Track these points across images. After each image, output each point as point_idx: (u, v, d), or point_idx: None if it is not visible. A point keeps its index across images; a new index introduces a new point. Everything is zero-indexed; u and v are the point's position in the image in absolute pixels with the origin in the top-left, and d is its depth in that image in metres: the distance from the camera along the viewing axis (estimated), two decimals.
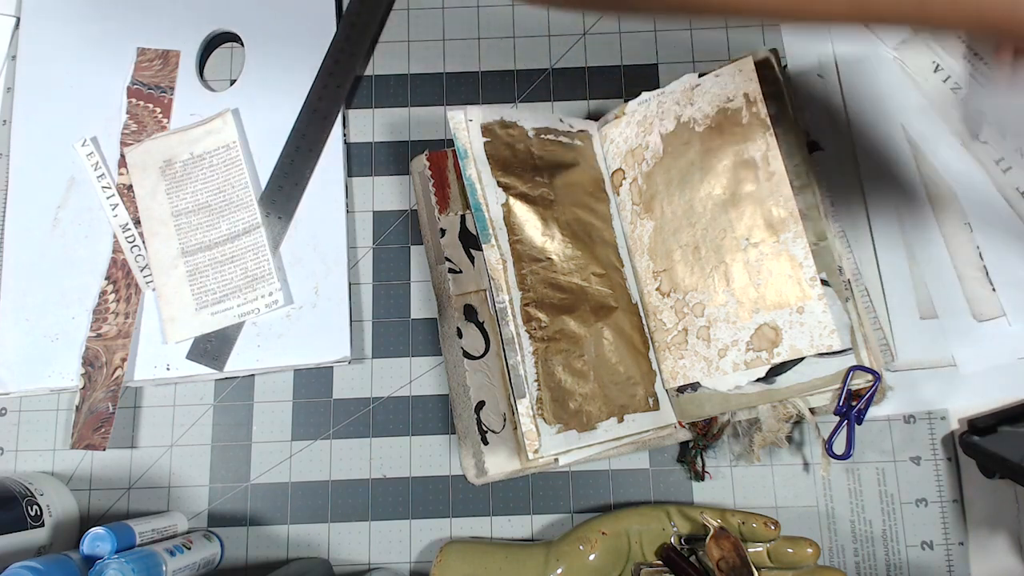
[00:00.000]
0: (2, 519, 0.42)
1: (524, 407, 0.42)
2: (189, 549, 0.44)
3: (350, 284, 0.52)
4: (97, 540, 0.40)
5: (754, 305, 0.44)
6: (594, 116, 0.53)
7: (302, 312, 0.50)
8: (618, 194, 0.50)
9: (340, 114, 0.53)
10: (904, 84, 0.52)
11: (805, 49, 0.53)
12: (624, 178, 0.49)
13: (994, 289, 0.48)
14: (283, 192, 0.52)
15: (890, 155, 0.51)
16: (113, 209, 0.52)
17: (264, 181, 0.52)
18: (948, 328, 0.48)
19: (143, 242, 0.51)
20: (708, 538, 0.42)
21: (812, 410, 0.44)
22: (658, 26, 0.55)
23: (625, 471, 0.49)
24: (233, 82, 0.55)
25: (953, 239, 0.49)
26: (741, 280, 0.44)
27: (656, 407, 0.46)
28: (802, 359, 0.43)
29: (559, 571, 0.43)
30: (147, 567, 0.39)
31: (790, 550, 0.43)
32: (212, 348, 0.50)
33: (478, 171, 0.45)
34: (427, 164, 0.51)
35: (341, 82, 0.54)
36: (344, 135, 0.54)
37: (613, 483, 0.49)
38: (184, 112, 0.54)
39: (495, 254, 0.44)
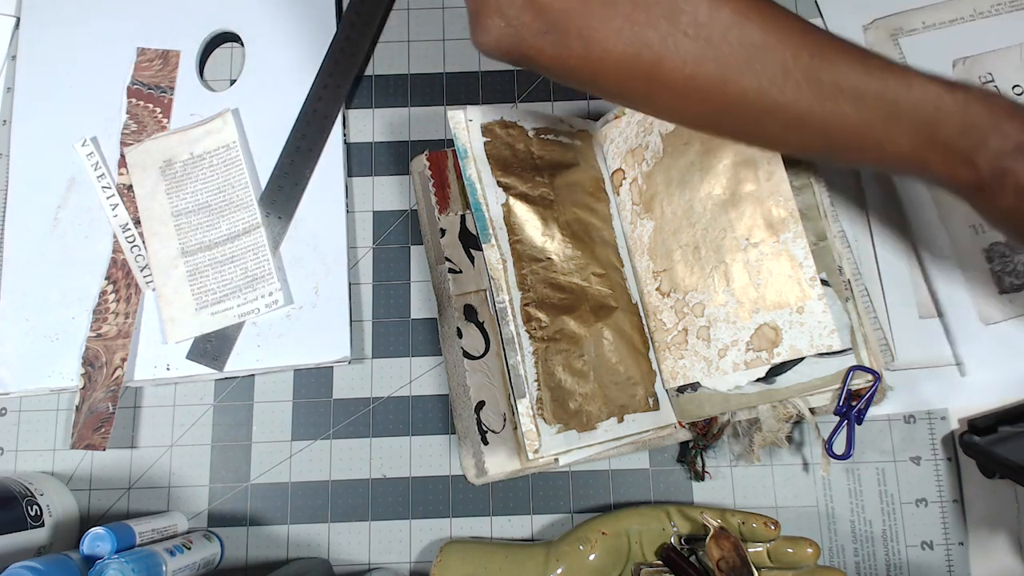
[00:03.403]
0: (2, 519, 0.42)
1: (524, 407, 0.42)
2: (189, 549, 0.44)
3: (350, 284, 0.52)
4: (97, 540, 0.40)
5: (754, 305, 0.44)
6: (594, 116, 0.53)
7: (302, 312, 0.50)
8: (618, 194, 0.50)
9: (340, 114, 0.53)
10: None
11: None
12: (624, 178, 0.49)
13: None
14: (283, 192, 0.52)
15: None
16: (113, 209, 0.52)
17: (264, 181, 0.52)
18: (954, 330, 0.48)
19: (143, 242, 0.51)
20: (708, 538, 0.42)
21: (812, 410, 0.44)
22: None
23: (625, 471, 0.49)
24: (233, 82, 0.54)
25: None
26: (741, 280, 0.44)
27: (656, 407, 0.46)
28: (802, 359, 0.43)
29: (559, 571, 0.43)
30: (147, 567, 0.39)
31: (790, 550, 0.43)
32: (212, 348, 0.50)
33: (478, 171, 0.45)
34: (427, 164, 0.51)
35: (341, 82, 0.54)
36: (344, 135, 0.54)
37: (613, 483, 0.49)
38: (184, 112, 0.54)
39: (495, 254, 0.44)
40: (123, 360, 0.49)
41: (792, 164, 0.44)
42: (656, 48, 0.33)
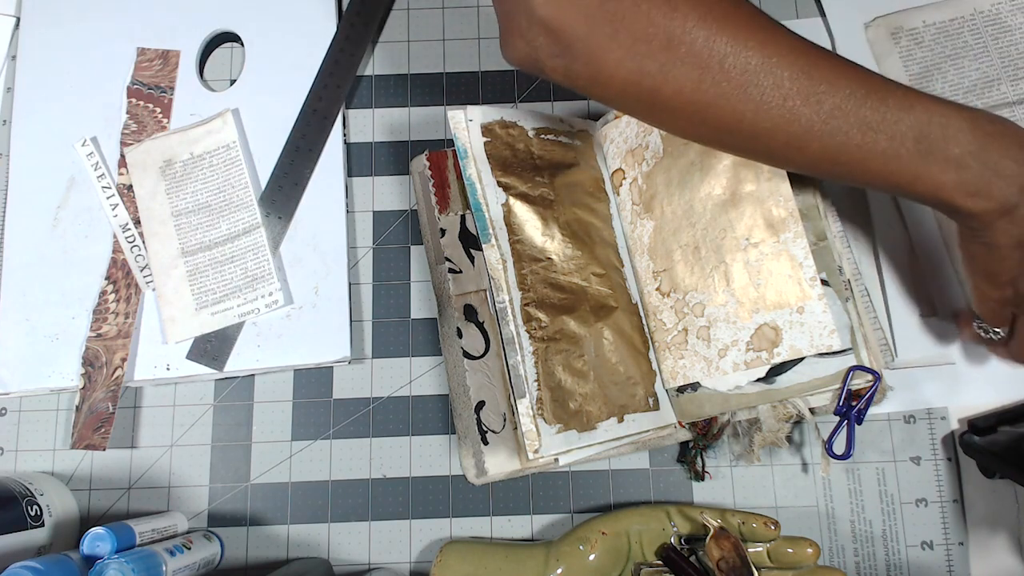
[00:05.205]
0: (2, 519, 0.42)
1: (524, 407, 0.42)
2: (189, 549, 0.44)
3: (350, 284, 0.52)
4: (97, 540, 0.40)
5: (754, 305, 0.44)
6: (594, 116, 0.53)
7: (302, 312, 0.50)
8: (618, 194, 0.50)
9: (340, 114, 0.53)
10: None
11: None
12: (624, 178, 0.49)
13: None
14: (283, 192, 0.52)
15: None
16: (113, 209, 0.52)
17: (264, 181, 0.52)
18: (949, 329, 0.48)
19: (143, 242, 0.51)
20: (708, 538, 0.42)
21: (812, 410, 0.44)
22: None
23: (625, 471, 0.49)
24: (233, 82, 0.54)
25: (954, 243, 0.49)
26: (741, 280, 0.44)
27: (656, 407, 0.46)
28: (802, 359, 0.43)
29: (559, 571, 0.43)
30: (147, 567, 0.39)
31: (790, 550, 0.43)
32: (212, 348, 0.50)
33: (478, 171, 0.45)
34: (427, 164, 0.51)
35: (341, 82, 0.54)
36: (344, 135, 0.54)
37: (613, 483, 0.49)
38: (184, 112, 0.54)
39: (495, 254, 0.44)
40: (123, 360, 0.49)
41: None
42: (655, 76, 0.35)
